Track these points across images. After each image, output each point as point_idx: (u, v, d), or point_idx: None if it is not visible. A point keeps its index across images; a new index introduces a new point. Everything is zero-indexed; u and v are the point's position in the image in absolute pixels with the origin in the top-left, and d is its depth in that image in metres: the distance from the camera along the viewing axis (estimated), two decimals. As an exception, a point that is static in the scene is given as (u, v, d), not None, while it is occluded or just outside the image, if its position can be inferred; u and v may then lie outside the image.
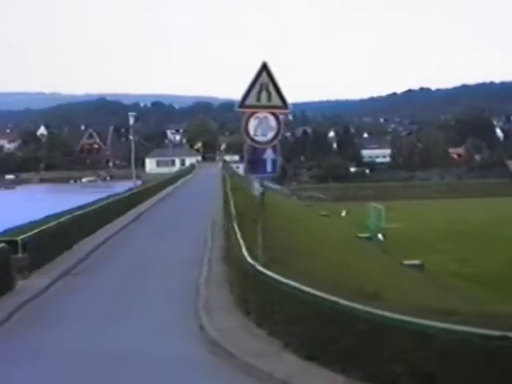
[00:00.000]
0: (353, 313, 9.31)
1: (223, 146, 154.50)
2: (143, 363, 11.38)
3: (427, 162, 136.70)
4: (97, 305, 16.73)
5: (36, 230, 20.76)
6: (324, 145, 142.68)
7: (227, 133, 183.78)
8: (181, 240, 28.35)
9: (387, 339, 8.71)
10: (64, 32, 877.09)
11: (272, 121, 12.69)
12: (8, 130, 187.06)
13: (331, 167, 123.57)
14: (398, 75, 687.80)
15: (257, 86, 12.36)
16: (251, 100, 12.45)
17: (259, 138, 12.68)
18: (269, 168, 13.09)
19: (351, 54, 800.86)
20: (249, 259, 13.66)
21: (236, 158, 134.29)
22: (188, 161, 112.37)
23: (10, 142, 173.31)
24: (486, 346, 7.56)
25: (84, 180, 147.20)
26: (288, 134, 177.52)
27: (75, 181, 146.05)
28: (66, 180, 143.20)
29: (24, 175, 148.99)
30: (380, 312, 8.89)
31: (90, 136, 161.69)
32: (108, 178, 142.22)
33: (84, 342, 13.07)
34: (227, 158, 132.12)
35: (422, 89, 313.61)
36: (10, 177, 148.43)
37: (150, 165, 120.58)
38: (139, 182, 61.95)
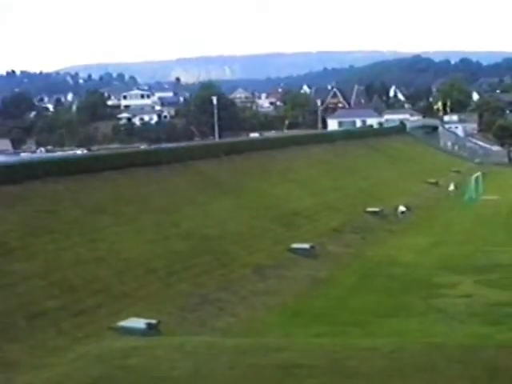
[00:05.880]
0: None
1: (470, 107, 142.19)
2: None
3: None
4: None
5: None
6: None
7: (498, 91, 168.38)
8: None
9: None
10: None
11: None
12: (280, 90, 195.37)
13: None
14: None
15: None
16: None
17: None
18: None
19: None
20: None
21: (454, 118, 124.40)
22: (369, 121, 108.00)
23: (276, 101, 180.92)
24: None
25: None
26: None
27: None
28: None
29: (266, 133, 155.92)
30: None
31: (334, 95, 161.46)
32: None
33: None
34: (447, 118, 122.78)
35: None
36: (254, 134, 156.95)
37: (332, 125, 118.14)
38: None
